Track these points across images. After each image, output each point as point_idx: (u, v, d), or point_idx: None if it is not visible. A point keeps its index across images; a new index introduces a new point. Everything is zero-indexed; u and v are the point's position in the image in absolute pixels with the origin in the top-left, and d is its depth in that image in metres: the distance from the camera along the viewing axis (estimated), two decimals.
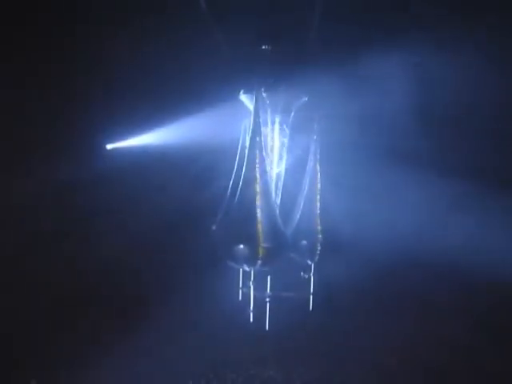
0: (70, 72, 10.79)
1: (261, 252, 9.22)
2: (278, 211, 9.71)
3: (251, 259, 9.35)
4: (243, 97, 10.28)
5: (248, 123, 10.50)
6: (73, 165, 10.73)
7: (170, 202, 11.42)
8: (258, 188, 9.34)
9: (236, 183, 10.33)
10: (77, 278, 11.54)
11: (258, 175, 9.38)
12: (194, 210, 11.62)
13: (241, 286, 10.57)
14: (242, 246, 9.23)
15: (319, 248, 10.51)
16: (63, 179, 10.67)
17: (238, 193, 9.51)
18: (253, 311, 9.92)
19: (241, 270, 10.43)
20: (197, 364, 10.93)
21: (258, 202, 9.29)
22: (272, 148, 10.38)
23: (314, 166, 10.61)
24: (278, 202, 10.24)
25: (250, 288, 9.86)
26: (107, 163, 10.93)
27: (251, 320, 9.89)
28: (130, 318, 11.41)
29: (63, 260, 11.56)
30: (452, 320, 11.00)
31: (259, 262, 9.34)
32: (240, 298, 10.60)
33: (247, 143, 10.20)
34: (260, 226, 9.18)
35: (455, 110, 10.57)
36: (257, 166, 9.41)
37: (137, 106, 10.86)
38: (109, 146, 11.26)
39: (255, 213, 9.23)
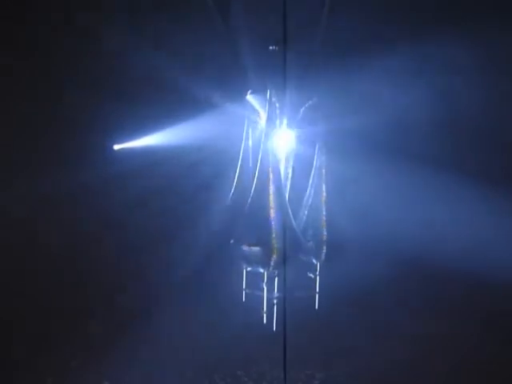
0: (75, 73, 10.72)
1: (275, 253, 9.22)
2: (290, 212, 9.69)
3: (265, 261, 9.35)
4: (250, 97, 10.29)
5: (251, 123, 10.56)
6: (79, 165, 10.69)
7: (174, 202, 11.43)
8: (271, 189, 9.34)
9: (240, 184, 10.42)
10: (81, 279, 11.49)
11: (271, 176, 9.39)
12: (197, 211, 11.64)
13: (244, 287, 10.61)
14: (256, 248, 9.23)
15: (325, 248, 10.55)
16: (70, 180, 10.63)
17: (252, 194, 9.50)
18: (263, 312, 9.90)
19: (244, 271, 10.47)
20: (203, 365, 10.92)
21: (272, 203, 9.29)
22: (279, 149, 10.39)
23: (320, 167, 10.63)
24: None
25: (264, 289, 9.86)
26: (114, 164, 10.90)
27: (264, 321, 9.88)
28: (133, 319, 11.37)
29: (65, 261, 11.55)
30: (458, 320, 11.13)
31: (273, 263, 9.35)
32: (244, 299, 10.65)
33: (249, 143, 10.31)
34: (274, 228, 9.19)
35: (466, 112, 10.69)
36: (270, 167, 9.41)
37: (144, 107, 10.82)
38: (116, 147, 11.25)
39: (269, 214, 9.24)
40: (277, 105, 9.95)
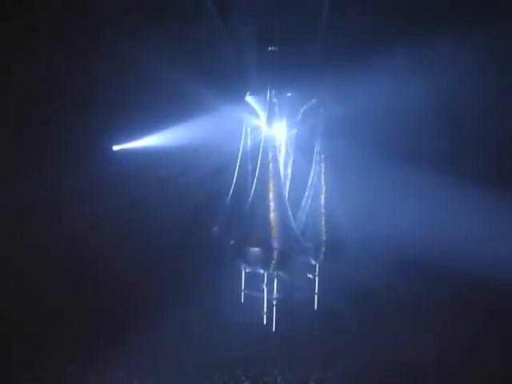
0: (75, 73, 10.75)
1: (275, 254, 9.23)
2: (290, 213, 9.69)
3: (265, 262, 9.36)
4: (249, 98, 10.29)
5: (250, 124, 10.57)
6: (79, 165, 10.74)
7: (173, 202, 11.46)
8: (270, 190, 9.36)
9: (239, 185, 10.43)
10: (81, 279, 11.53)
11: (270, 177, 9.40)
12: (197, 211, 11.67)
13: (243, 288, 10.62)
14: (256, 249, 9.24)
15: (324, 249, 10.56)
16: (70, 180, 10.68)
17: (251, 194, 9.51)
18: (264, 313, 9.91)
19: (243, 272, 10.48)
20: (202, 365, 10.96)
21: (272, 204, 9.31)
22: (279, 150, 10.39)
23: (318, 167, 10.64)
24: None
25: (264, 290, 9.86)
26: (113, 164, 10.94)
27: (264, 322, 9.90)
28: (133, 319, 11.41)
29: (65, 260, 11.59)
30: (458, 320, 11.14)
31: (273, 264, 9.36)
32: (242, 300, 10.67)
33: (248, 144, 10.34)
34: (274, 229, 9.20)
35: (465, 112, 10.71)
36: (269, 168, 9.43)
37: (143, 108, 10.86)
38: (115, 148, 11.27)
39: (269, 215, 9.26)
40: (276, 106, 9.97)
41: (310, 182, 10.67)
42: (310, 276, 10.77)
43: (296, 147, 10.64)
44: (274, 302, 10.07)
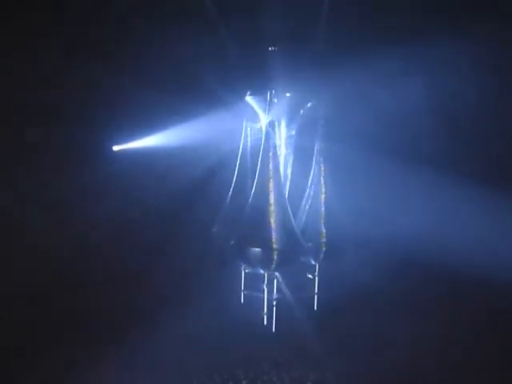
0: (75, 74, 10.76)
1: (276, 255, 9.25)
2: (290, 213, 9.71)
3: (266, 262, 9.38)
4: (249, 98, 10.30)
5: (250, 124, 10.58)
6: (79, 166, 10.74)
7: (174, 202, 11.47)
8: (271, 190, 9.38)
9: (239, 185, 10.45)
10: (81, 279, 11.53)
11: (271, 177, 9.43)
12: (196, 211, 11.68)
13: (243, 288, 10.64)
14: (256, 249, 9.26)
15: (324, 249, 10.58)
16: (70, 180, 10.68)
17: (252, 195, 9.53)
18: (264, 313, 9.93)
19: (243, 272, 10.49)
20: (202, 365, 10.94)
21: (272, 204, 9.33)
22: (279, 150, 10.40)
23: (318, 168, 10.68)
24: None
25: (264, 291, 9.89)
26: (113, 164, 10.94)
27: (265, 323, 9.92)
28: (134, 319, 11.40)
29: (65, 260, 11.58)
30: (457, 320, 11.14)
31: (274, 264, 9.38)
32: (242, 300, 10.69)
33: (248, 144, 10.36)
34: (275, 229, 9.22)
35: (464, 112, 10.71)
36: (270, 168, 9.44)
37: (142, 109, 10.85)
38: (115, 148, 11.26)
39: (269, 215, 9.28)
40: (276, 106, 9.99)
41: (309, 182, 10.71)
42: (310, 276, 10.82)
43: (296, 147, 10.66)
44: (274, 302, 10.11)
